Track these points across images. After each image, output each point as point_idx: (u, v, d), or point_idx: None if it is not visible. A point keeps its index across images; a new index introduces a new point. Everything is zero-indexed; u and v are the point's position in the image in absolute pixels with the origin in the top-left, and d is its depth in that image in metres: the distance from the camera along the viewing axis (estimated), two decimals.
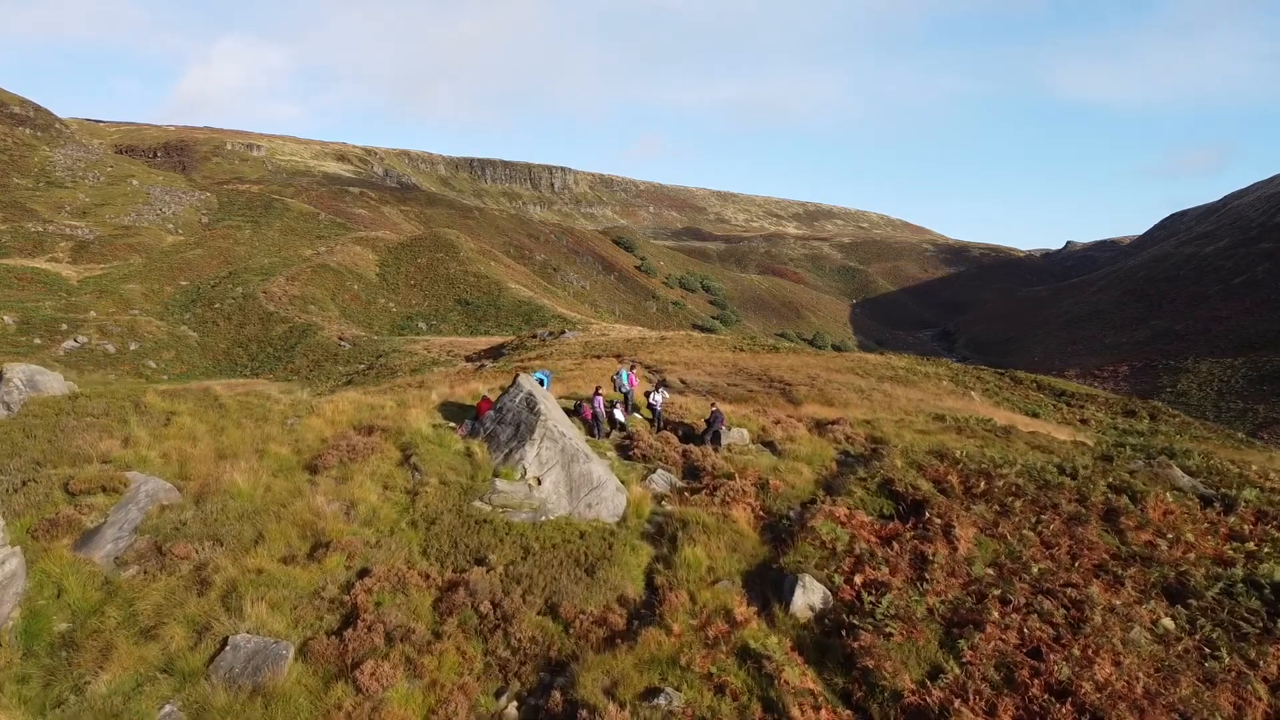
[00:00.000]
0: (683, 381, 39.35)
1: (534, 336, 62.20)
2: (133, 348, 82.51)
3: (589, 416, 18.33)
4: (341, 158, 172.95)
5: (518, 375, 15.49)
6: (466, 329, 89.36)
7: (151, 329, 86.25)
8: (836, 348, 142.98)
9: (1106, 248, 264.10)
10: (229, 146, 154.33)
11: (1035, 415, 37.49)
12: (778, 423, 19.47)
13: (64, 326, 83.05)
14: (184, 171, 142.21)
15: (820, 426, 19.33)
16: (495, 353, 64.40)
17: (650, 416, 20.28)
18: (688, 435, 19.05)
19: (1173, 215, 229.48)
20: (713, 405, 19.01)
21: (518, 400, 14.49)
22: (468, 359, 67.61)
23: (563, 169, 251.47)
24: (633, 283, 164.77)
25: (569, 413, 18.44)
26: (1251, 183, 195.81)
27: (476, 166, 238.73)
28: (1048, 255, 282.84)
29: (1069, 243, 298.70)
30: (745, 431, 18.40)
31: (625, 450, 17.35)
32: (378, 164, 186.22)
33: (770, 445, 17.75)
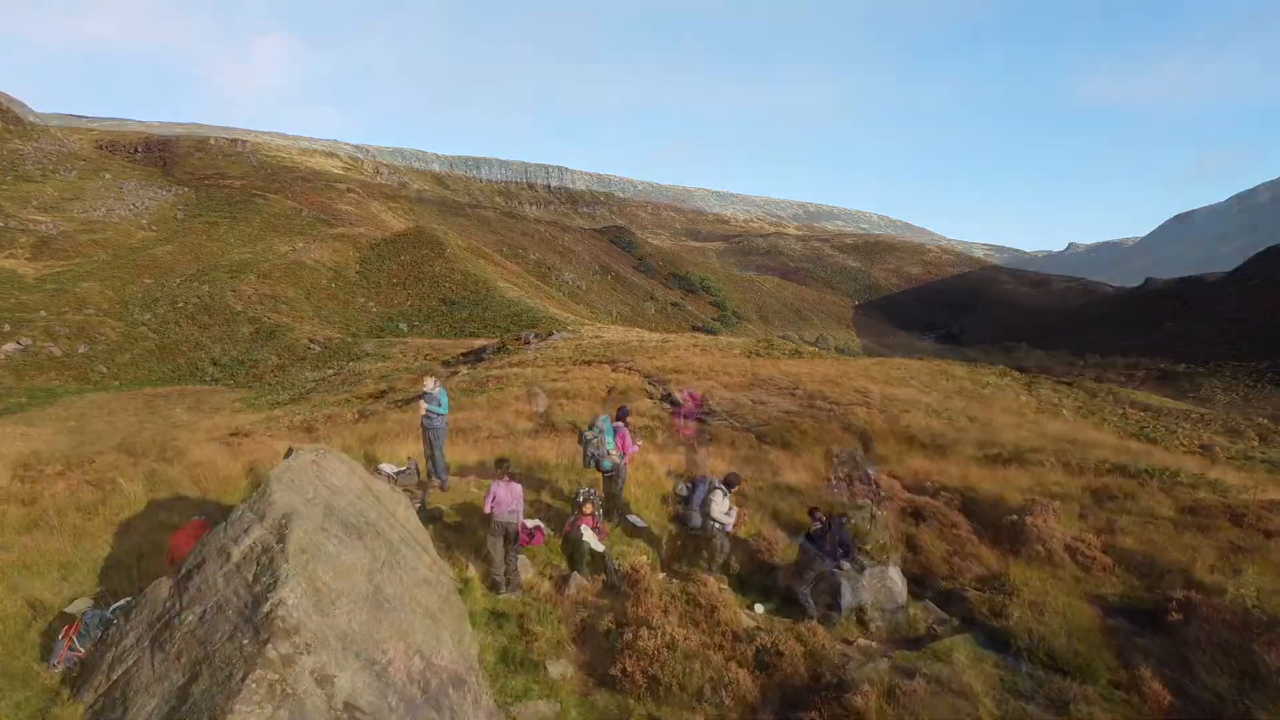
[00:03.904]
0: (693, 398, 29.35)
1: (519, 339, 52.24)
2: (81, 350, 72.23)
3: (526, 538, 7.91)
4: (331, 155, 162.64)
5: (289, 460, 5.53)
6: (451, 330, 79.32)
7: (105, 330, 76.02)
8: (840, 350, 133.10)
9: (1110, 249, 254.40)
10: (212, 143, 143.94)
11: (1152, 441, 27.78)
12: (915, 515, 9.32)
13: (6, 328, 72.95)
14: (164, 168, 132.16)
15: (993, 528, 9.23)
16: (476, 356, 54.46)
17: (696, 529, 9.10)
18: (749, 571, 8.62)
19: (1178, 217, 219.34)
20: (816, 516, 8.43)
21: (230, 565, 4.27)
22: (444, 364, 57.75)
23: (559, 168, 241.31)
24: (630, 283, 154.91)
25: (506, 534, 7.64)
26: (1260, 183, 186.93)
27: (472, 165, 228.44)
28: (1051, 256, 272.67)
29: (1071, 244, 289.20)
30: (895, 575, 7.88)
31: (600, 647, 6.70)
32: (369, 162, 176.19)
33: (953, 602, 7.62)
